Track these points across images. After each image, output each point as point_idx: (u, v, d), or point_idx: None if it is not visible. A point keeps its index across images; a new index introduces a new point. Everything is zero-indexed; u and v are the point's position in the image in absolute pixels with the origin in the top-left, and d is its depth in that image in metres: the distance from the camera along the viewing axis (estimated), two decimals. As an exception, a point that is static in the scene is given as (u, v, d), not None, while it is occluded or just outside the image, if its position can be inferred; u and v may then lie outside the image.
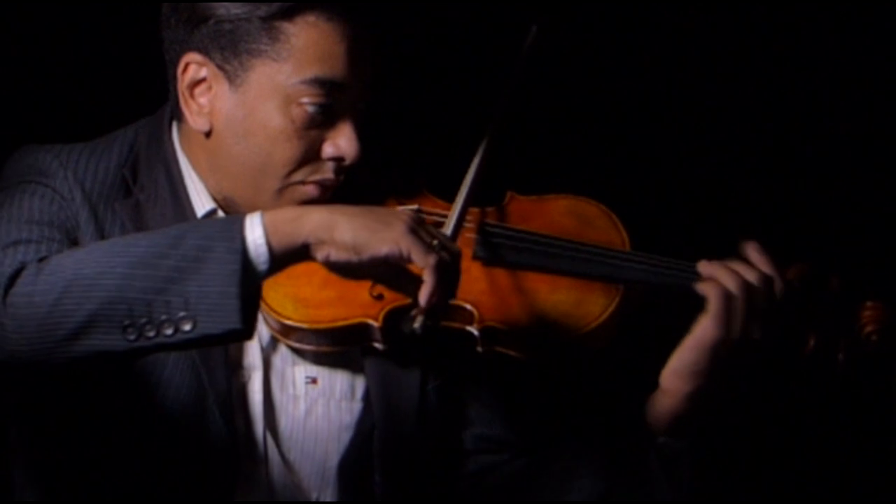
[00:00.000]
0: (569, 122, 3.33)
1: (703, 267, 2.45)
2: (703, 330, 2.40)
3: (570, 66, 3.30)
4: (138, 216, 2.48)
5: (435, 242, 2.25)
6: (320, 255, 2.22)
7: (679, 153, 3.34)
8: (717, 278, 2.42)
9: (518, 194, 2.60)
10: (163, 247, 2.20)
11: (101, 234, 2.44)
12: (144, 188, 2.50)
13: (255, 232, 2.20)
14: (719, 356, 2.40)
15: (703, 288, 2.42)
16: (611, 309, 2.46)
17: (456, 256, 2.28)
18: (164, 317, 2.18)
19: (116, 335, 2.19)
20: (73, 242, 2.42)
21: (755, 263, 2.44)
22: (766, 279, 2.42)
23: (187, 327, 2.18)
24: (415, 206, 2.53)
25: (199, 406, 2.43)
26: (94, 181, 2.47)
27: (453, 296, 2.28)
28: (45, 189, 2.45)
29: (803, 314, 2.46)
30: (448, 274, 2.25)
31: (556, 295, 2.48)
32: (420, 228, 2.25)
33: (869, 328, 2.44)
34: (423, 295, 2.24)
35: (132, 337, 2.18)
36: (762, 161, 3.36)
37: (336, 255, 2.22)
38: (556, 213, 2.57)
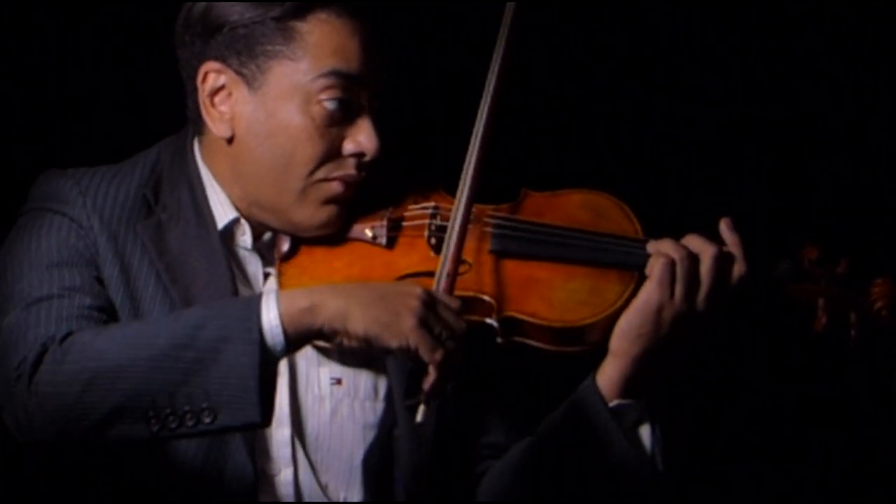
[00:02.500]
0: (580, 119, 3.36)
1: (651, 245, 2.52)
2: (647, 293, 2.48)
3: (579, 64, 3.35)
4: (159, 236, 2.52)
5: (443, 333, 2.32)
6: (334, 341, 2.33)
7: (689, 140, 3.38)
8: (662, 251, 2.49)
9: (532, 191, 2.64)
10: (183, 337, 2.28)
11: (122, 259, 2.49)
12: (167, 207, 2.54)
13: (271, 321, 2.28)
14: (663, 320, 2.47)
15: (651, 260, 2.50)
16: (626, 295, 2.50)
17: (461, 338, 2.34)
18: (186, 408, 2.26)
19: (141, 425, 2.27)
20: (96, 269, 2.47)
21: (724, 240, 2.51)
22: (713, 254, 2.49)
23: (208, 420, 2.27)
24: (431, 204, 2.57)
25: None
26: (114, 205, 2.52)
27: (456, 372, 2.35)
28: (62, 219, 2.49)
29: (814, 292, 2.51)
30: (453, 360, 2.32)
31: (573, 283, 2.52)
32: (430, 316, 2.32)
33: (879, 304, 2.48)
34: (427, 384, 2.33)
35: (156, 428, 2.27)
36: (774, 149, 3.39)
37: (349, 342, 2.32)
38: (571, 207, 2.60)
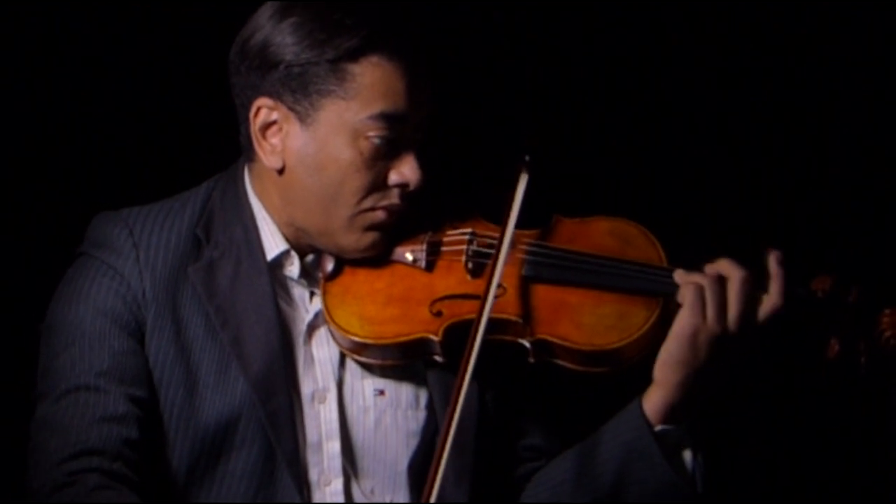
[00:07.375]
0: (610, 148, 3.44)
1: (681, 275, 2.58)
2: (681, 321, 2.53)
3: (607, 94, 3.43)
4: (210, 277, 2.60)
5: None
6: None
7: (711, 174, 3.44)
8: (691, 279, 2.56)
9: (563, 217, 2.73)
10: None
11: (174, 310, 2.58)
12: (219, 244, 2.63)
13: None
14: (699, 345, 2.52)
15: (682, 289, 2.56)
16: (652, 320, 2.58)
17: None
18: None
19: None
20: (136, 331, 2.57)
21: (769, 270, 2.56)
22: (741, 276, 2.54)
23: None
24: (469, 229, 2.67)
25: (267, 468, 2.57)
26: (167, 253, 2.61)
27: None
28: (104, 277, 2.59)
29: (826, 322, 2.59)
30: None
31: (601, 308, 2.60)
32: None
33: (888, 333, 2.57)
34: None
35: None
36: (791, 180, 3.44)
37: None
38: (599, 234, 2.68)
